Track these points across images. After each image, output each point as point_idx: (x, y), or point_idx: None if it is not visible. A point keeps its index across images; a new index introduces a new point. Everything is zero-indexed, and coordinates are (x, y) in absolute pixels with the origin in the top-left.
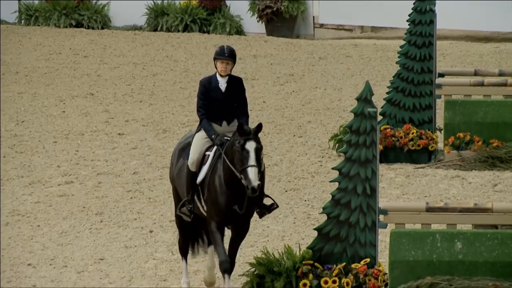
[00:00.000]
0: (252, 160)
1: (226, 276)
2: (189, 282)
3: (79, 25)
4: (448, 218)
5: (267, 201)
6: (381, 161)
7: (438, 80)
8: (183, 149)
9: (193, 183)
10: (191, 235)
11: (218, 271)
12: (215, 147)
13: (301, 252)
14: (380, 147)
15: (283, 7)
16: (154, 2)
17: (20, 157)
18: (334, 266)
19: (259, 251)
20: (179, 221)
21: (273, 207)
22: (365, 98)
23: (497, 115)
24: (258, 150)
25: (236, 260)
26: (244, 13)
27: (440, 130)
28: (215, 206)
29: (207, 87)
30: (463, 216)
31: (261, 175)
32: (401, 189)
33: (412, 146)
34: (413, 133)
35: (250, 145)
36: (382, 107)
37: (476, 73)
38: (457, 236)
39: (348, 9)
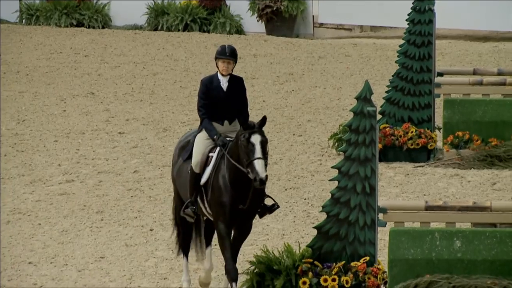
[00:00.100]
0: (258, 152)
1: (234, 284)
2: (190, 280)
3: (79, 24)
4: (447, 217)
5: (268, 202)
6: (380, 160)
7: (437, 79)
8: (183, 148)
9: (196, 185)
10: (181, 232)
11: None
12: (218, 148)
13: (300, 251)
14: (379, 146)
15: (283, 6)
16: (154, 2)
17: (21, 156)
18: (334, 264)
19: (259, 250)
20: (181, 219)
21: (274, 207)
22: (364, 97)
23: (495, 114)
24: (264, 143)
25: (236, 259)
26: (244, 13)
27: (439, 129)
28: (220, 206)
29: (209, 86)
30: (462, 214)
31: None
32: (400, 187)
33: (411, 145)
34: (412, 132)
35: (255, 138)
36: (381, 106)
37: (475, 72)
38: (456, 234)
39: (348, 9)
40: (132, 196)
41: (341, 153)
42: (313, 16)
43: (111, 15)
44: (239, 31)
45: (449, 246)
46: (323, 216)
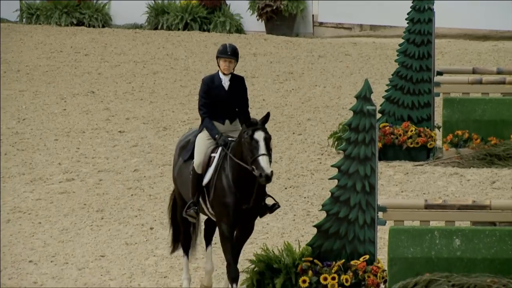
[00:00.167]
0: (262, 149)
1: (234, 285)
2: (190, 278)
3: (80, 23)
4: (446, 215)
5: (269, 201)
6: (380, 159)
7: (437, 78)
8: (183, 148)
9: (198, 185)
10: (181, 232)
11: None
12: (220, 149)
13: (300, 249)
14: (379, 144)
15: (283, 5)
16: (154, 1)
17: (21, 155)
18: (334, 263)
19: (258, 248)
20: (182, 218)
21: (275, 207)
22: (364, 96)
23: (495, 113)
24: (267, 140)
25: (238, 259)
26: (244, 12)
27: (438, 127)
28: (224, 207)
29: (210, 85)
30: (461, 213)
31: None
32: (400, 186)
33: (411, 143)
34: (412, 131)
35: (259, 135)
36: (381, 105)
37: (474, 71)
38: (455, 233)
39: (347, 8)
40: (132, 195)
41: (340, 151)
42: (312, 15)
43: (111, 14)
44: (239, 30)
45: (449, 244)
46: (323, 214)
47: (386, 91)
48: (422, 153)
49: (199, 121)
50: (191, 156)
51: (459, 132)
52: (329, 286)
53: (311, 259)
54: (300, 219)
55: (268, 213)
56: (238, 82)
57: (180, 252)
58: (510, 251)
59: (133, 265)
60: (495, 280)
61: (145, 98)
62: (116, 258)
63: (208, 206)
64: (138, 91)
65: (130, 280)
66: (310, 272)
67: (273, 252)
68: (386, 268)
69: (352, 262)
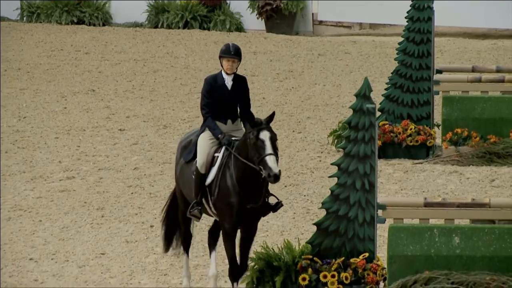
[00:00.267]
0: (269, 148)
1: (235, 284)
2: (190, 276)
3: (80, 22)
4: (446, 213)
5: (272, 200)
6: (379, 157)
7: (436, 77)
8: (185, 147)
9: (202, 185)
10: (174, 231)
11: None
12: (223, 148)
13: (300, 247)
14: (378, 142)
15: (283, 4)
16: (155, 0)
17: (22, 153)
18: (333, 260)
19: (258, 246)
20: (183, 217)
21: (278, 206)
22: (363, 94)
23: (494, 111)
24: (273, 139)
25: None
26: (244, 10)
27: (438, 126)
28: (228, 207)
29: (213, 85)
30: (460, 211)
31: None
32: (400, 184)
33: (411, 141)
34: (411, 129)
35: (265, 135)
36: (380, 103)
37: (473, 70)
38: (455, 231)
39: (347, 6)
40: (132, 193)
41: (340, 150)
42: (312, 14)
43: (111, 13)
44: (239, 28)
45: (448, 242)
46: (323, 212)
47: (385, 89)
48: (421, 151)
49: (199, 119)
50: (194, 157)
51: (459, 130)
52: (328, 284)
53: (310, 257)
54: (300, 217)
55: (271, 212)
56: (240, 82)
57: (175, 251)
58: (509, 249)
59: (134, 263)
60: (494, 278)
61: (145, 96)
62: (116, 256)
63: (211, 205)
64: (138, 89)
65: (130, 278)
66: (309, 270)
67: (273, 250)
68: (385, 266)
69: (351, 260)
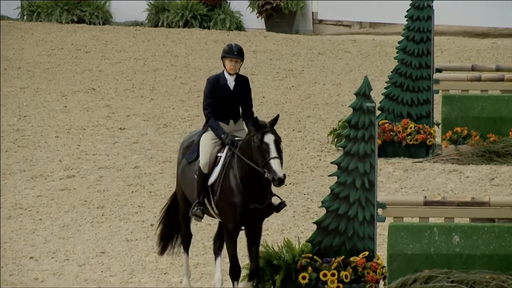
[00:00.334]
0: (273, 152)
1: (235, 283)
2: (190, 274)
3: (80, 21)
4: (445, 212)
5: (275, 200)
6: (379, 156)
7: (436, 75)
8: (187, 148)
9: (204, 185)
10: (170, 234)
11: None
12: (226, 148)
13: (300, 246)
14: (378, 141)
15: (283, 3)
16: None
17: (22, 151)
18: (333, 259)
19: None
20: (184, 218)
21: (281, 206)
22: (363, 93)
23: (494, 110)
24: (278, 142)
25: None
26: (244, 9)
27: (437, 124)
28: (231, 207)
29: (216, 85)
30: (460, 209)
31: None
32: (399, 183)
33: (410, 140)
34: (411, 128)
35: (269, 138)
36: (380, 102)
37: (473, 68)
38: (454, 229)
39: (347, 5)
40: (132, 192)
41: (340, 148)
42: (312, 13)
43: (111, 12)
44: (239, 27)
45: (448, 241)
46: (323, 211)
47: (385, 88)
48: (421, 150)
49: (199, 118)
50: (197, 157)
51: (458, 129)
52: (328, 282)
53: (310, 255)
54: (299, 215)
55: (275, 212)
56: (243, 82)
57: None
58: (509, 248)
59: (134, 262)
60: (494, 276)
61: (146, 95)
62: (116, 255)
63: (213, 205)
64: (138, 88)
65: (130, 277)
66: (309, 269)
67: (273, 248)
68: (385, 265)
69: (351, 259)
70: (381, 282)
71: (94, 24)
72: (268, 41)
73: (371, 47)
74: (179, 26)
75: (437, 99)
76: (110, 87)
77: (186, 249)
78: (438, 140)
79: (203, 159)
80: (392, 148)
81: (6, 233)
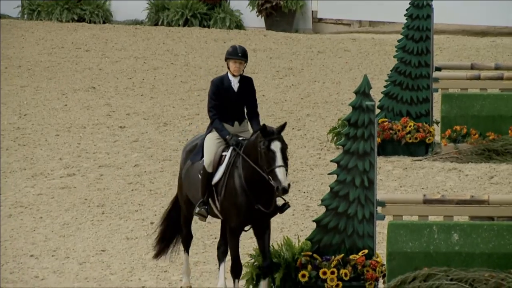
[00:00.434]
0: (279, 160)
1: (236, 281)
2: (190, 272)
3: (81, 19)
4: (445, 210)
5: (278, 201)
6: (379, 154)
7: (435, 74)
8: (190, 151)
9: (208, 184)
10: (169, 239)
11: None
12: (231, 148)
13: (300, 244)
14: (378, 140)
15: (282, 2)
16: None
17: (22, 150)
18: (333, 257)
19: None
20: (185, 220)
21: (285, 207)
22: (363, 91)
23: (493, 108)
24: (284, 150)
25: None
26: (244, 8)
27: (437, 123)
28: (235, 207)
29: (220, 87)
30: (460, 208)
31: None
32: (399, 181)
33: (410, 139)
34: (410, 126)
35: (276, 145)
36: (380, 101)
37: (472, 67)
38: (454, 227)
39: (346, 4)
40: (132, 190)
41: (340, 147)
42: (312, 11)
43: (112, 10)
44: (239, 26)
45: (447, 239)
46: (322, 209)
47: (385, 86)
48: (420, 148)
49: (199, 117)
50: (201, 157)
51: (458, 128)
52: (328, 280)
53: (310, 253)
54: (299, 214)
55: (278, 213)
56: (247, 83)
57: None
58: (508, 246)
59: (134, 260)
60: (493, 274)
61: (146, 93)
62: (116, 253)
63: (218, 205)
64: (138, 87)
65: (130, 275)
66: (309, 267)
67: (273, 246)
68: (385, 263)
69: (351, 257)
70: (381, 280)
71: (94, 22)
72: (268, 40)
73: (370, 45)
74: (179, 25)
75: (437, 97)
76: (110, 86)
77: (187, 249)
78: (437, 138)
79: (208, 158)
80: (392, 147)
81: (7, 231)
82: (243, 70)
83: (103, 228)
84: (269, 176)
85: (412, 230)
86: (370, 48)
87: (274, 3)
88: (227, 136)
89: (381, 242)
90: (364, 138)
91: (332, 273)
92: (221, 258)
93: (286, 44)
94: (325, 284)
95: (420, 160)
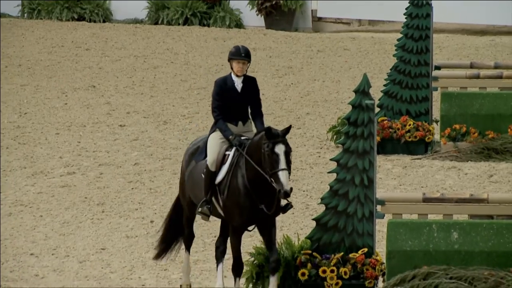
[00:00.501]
0: (282, 163)
1: (237, 279)
2: (190, 271)
3: (81, 18)
4: (444, 209)
5: (282, 201)
6: (378, 153)
7: (435, 73)
8: (192, 154)
9: (211, 183)
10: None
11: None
12: (234, 148)
13: (299, 242)
14: (377, 138)
15: (282, 1)
16: None
17: (23, 148)
18: (332, 255)
19: (258, 241)
20: (187, 220)
21: (288, 207)
22: (362, 90)
23: (492, 107)
24: (288, 153)
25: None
26: (244, 7)
27: (436, 121)
28: (238, 206)
29: (223, 87)
30: (459, 206)
31: None
32: (398, 180)
33: (409, 137)
34: (410, 125)
35: (280, 149)
36: (379, 99)
37: (472, 66)
38: (453, 226)
39: (346, 3)
40: (132, 188)
41: (339, 145)
42: (312, 10)
43: (112, 9)
44: (239, 25)
45: (447, 237)
46: (322, 208)
47: (384, 85)
48: (420, 147)
49: (199, 115)
50: (205, 157)
51: (457, 126)
52: (328, 279)
53: (310, 252)
54: (299, 212)
55: (281, 213)
56: (250, 83)
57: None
58: (508, 244)
59: (134, 258)
60: (492, 273)
61: (146, 92)
62: (116, 251)
63: (221, 204)
64: (138, 86)
65: (130, 273)
66: (309, 265)
67: None
68: (384, 261)
69: (350, 255)
70: (380, 279)
71: (94, 21)
72: (267, 39)
73: (370, 44)
74: (179, 24)
75: (436, 96)
76: (110, 84)
77: (188, 248)
78: (437, 137)
79: (211, 157)
80: (391, 145)
81: (7, 229)
82: (246, 70)
83: (103, 227)
84: (272, 179)
85: (412, 228)
86: (369, 47)
87: (273, 2)
88: (230, 136)
89: (381, 240)
90: (363, 136)
91: (332, 271)
92: (219, 258)
93: (286, 43)
94: (325, 283)
95: (420, 159)
